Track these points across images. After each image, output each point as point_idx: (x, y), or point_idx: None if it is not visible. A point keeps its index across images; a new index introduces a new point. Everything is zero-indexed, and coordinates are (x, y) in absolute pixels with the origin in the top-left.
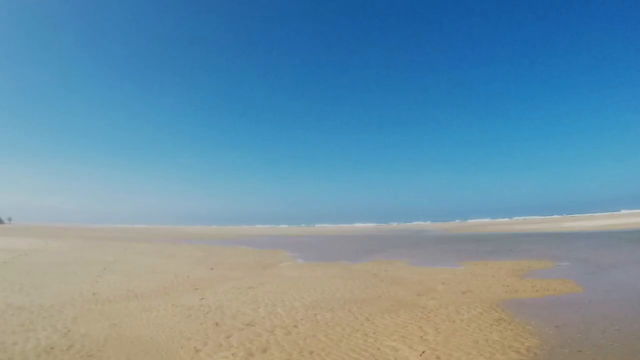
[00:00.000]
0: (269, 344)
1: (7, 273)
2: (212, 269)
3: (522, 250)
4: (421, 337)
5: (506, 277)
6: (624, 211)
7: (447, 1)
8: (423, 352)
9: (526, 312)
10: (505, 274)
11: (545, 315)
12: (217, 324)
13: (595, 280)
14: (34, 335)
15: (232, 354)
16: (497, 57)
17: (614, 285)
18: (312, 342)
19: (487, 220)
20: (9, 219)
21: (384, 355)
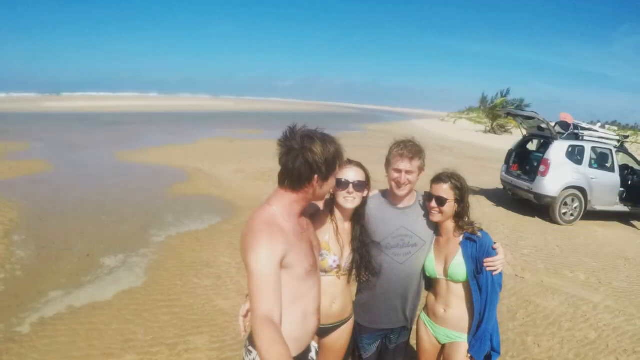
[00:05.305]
0: None
1: None
2: None
3: None
4: None
5: None
6: (124, 94)
7: None
8: None
9: (5, 192)
10: None
11: (23, 193)
12: None
13: (65, 159)
14: None
15: None
16: None
17: (81, 162)
18: None
19: None
20: None
21: None
